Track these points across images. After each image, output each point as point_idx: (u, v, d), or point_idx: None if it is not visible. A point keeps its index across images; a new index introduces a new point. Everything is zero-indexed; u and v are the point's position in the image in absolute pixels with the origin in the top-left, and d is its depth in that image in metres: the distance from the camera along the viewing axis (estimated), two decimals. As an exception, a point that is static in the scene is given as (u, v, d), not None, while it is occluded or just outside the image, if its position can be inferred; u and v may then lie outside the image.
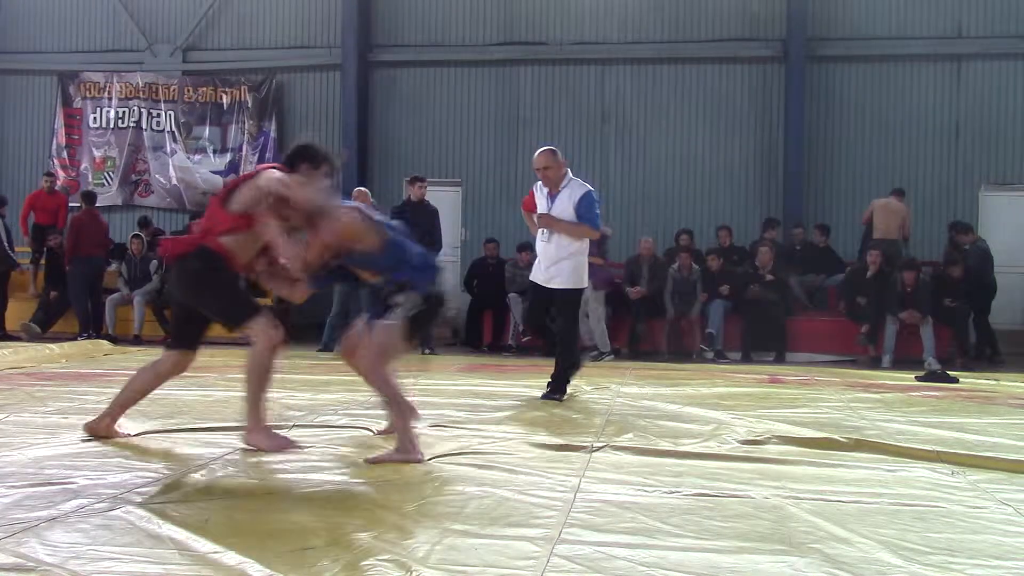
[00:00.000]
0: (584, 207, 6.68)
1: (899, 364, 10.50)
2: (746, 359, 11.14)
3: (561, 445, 4.78)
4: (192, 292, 4.53)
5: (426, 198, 11.36)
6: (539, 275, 6.87)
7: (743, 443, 4.89)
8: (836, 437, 5.01)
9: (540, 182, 6.86)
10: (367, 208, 4.71)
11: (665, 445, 4.80)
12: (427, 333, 4.44)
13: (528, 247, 12.31)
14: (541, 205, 6.83)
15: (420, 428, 4.84)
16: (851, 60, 13.74)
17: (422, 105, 14.47)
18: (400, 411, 4.46)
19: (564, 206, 6.70)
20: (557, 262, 6.72)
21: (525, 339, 11.82)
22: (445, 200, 12.97)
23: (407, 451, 4.31)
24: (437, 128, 14.38)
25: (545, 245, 6.80)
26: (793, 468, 4.31)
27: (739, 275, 11.81)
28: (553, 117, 14.09)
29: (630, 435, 5.11)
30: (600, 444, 4.78)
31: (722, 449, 4.74)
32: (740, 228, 13.06)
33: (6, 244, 12.50)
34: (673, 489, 3.81)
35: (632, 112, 14.01)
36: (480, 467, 4.18)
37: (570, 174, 6.85)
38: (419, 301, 4.45)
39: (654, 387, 7.59)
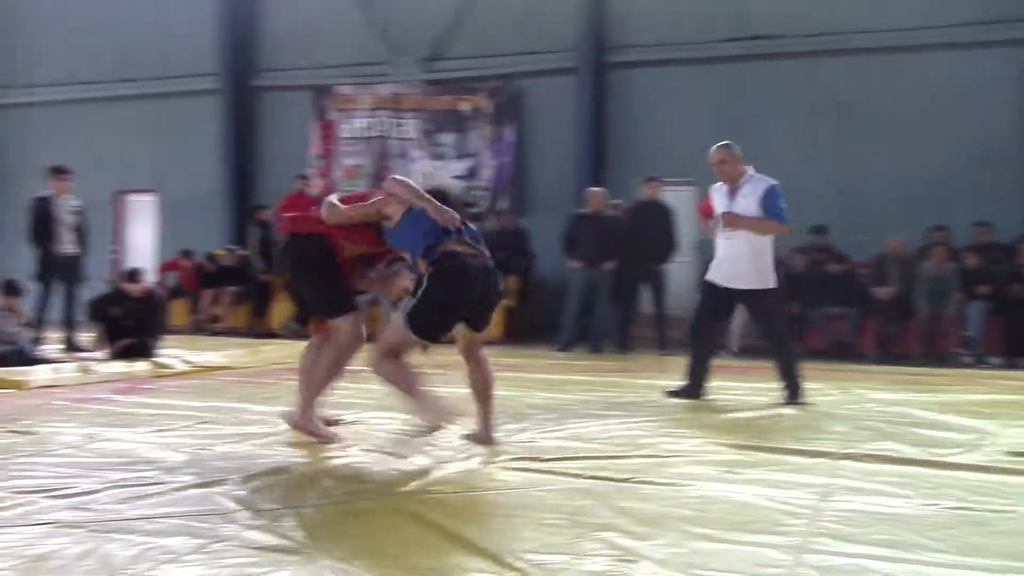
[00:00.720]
0: (770, 201, 6.43)
1: None
2: (1010, 364, 10.32)
3: (805, 451, 4.60)
4: (302, 270, 4.77)
5: (661, 198, 11.31)
6: (717, 275, 6.61)
7: (1010, 455, 4.53)
8: (1119, 451, 4.56)
9: (718, 183, 6.67)
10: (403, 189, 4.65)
11: (920, 454, 4.52)
12: (467, 320, 4.35)
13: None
14: (721, 204, 6.60)
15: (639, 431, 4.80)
16: None
17: (657, 105, 14.36)
18: (416, 403, 4.44)
19: (747, 202, 6.46)
20: (739, 261, 6.48)
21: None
22: (680, 201, 12.81)
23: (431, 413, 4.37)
24: (672, 128, 14.22)
25: (727, 243, 6.55)
26: (1068, 484, 3.95)
27: (1001, 273, 10.98)
28: (790, 113, 13.60)
29: (881, 443, 4.86)
30: (848, 451, 4.57)
31: (985, 461, 4.40)
32: (1000, 225, 12.11)
33: (257, 251, 13.54)
34: (931, 501, 3.58)
35: (875, 104, 13.31)
36: (721, 470, 4.09)
37: (751, 170, 6.61)
38: (426, 287, 4.34)
39: (906, 392, 7.17)
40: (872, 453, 4.53)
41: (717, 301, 6.68)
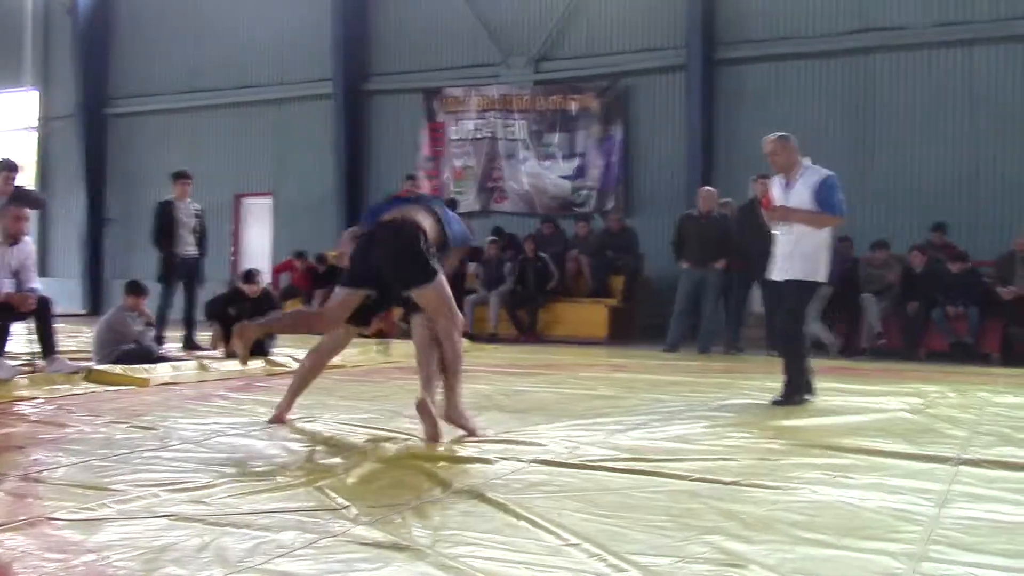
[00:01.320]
0: (824, 193, 6.20)
1: None
2: None
3: (922, 456, 4.45)
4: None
5: (773, 196, 11.09)
6: (774, 272, 6.44)
7: None
8: None
9: (777, 176, 6.49)
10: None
11: (1047, 461, 4.33)
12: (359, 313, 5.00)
13: (883, 244, 11.63)
14: (777, 197, 6.40)
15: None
16: None
17: (768, 101, 14.09)
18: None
19: (801, 195, 6.25)
20: (792, 255, 6.27)
21: (880, 342, 11.21)
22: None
23: None
24: (783, 124, 13.87)
25: (783, 238, 6.36)
26: None
27: None
28: (913, 105, 13.17)
29: (1004, 448, 4.67)
30: (967, 456, 4.41)
31: (1117, 468, 4.19)
32: None
33: None
34: (1057, 511, 3.43)
35: (1005, 95, 12.78)
36: (832, 474, 3.99)
37: (807, 162, 6.40)
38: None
39: (1031, 396, 6.88)
40: (994, 459, 4.36)
41: (779, 299, 6.51)
